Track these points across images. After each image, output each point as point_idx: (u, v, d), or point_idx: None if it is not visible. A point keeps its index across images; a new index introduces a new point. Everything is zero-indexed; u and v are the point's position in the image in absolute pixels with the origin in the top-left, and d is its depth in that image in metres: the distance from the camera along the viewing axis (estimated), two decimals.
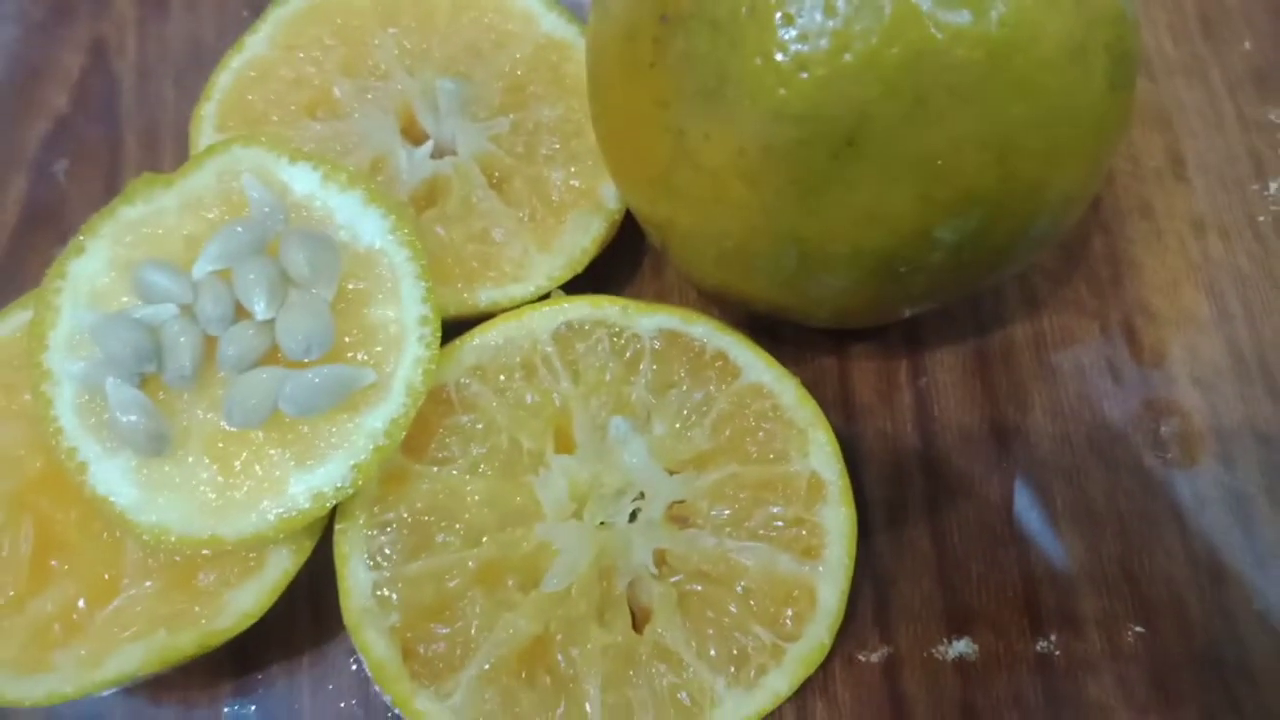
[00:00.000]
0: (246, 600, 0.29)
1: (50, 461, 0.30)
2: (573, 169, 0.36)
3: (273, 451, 0.29)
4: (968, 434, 0.36)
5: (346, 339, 0.30)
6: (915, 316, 0.37)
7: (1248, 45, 0.43)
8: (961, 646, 0.34)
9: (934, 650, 0.33)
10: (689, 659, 0.29)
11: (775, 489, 0.31)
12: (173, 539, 0.28)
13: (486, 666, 0.29)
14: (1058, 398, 0.37)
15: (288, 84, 0.36)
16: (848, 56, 0.25)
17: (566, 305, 0.33)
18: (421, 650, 0.29)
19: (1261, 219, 0.40)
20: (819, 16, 0.25)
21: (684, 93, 0.27)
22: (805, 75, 0.25)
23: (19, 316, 0.32)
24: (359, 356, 0.30)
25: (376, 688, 0.30)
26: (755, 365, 0.32)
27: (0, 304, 0.37)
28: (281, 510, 0.29)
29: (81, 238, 0.31)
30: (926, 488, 0.36)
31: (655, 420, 0.32)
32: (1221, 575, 0.34)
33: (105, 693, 0.29)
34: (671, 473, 0.31)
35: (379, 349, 0.30)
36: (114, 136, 0.41)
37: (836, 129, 0.26)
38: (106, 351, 0.28)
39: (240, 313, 0.29)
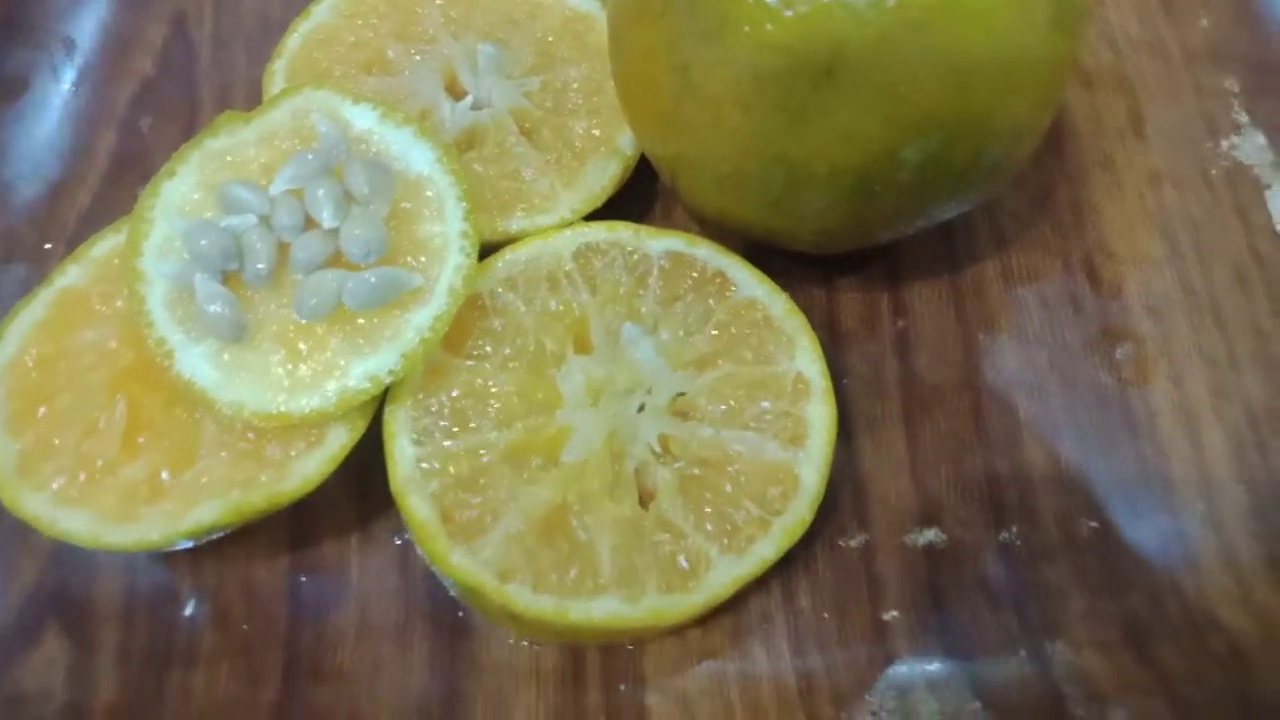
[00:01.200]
0: (310, 467, 0.34)
1: (140, 354, 0.35)
2: (593, 120, 0.41)
3: (334, 341, 0.34)
4: (942, 355, 0.41)
5: (398, 250, 0.35)
6: (894, 252, 0.42)
7: (1204, 23, 0.48)
8: (931, 535, 0.38)
9: (906, 538, 0.38)
10: (688, 530, 0.34)
11: (765, 387, 0.36)
12: (247, 413, 0.33)
13: (513, 529, 0.33)
14: (1023, 325, 0.41)
15: (348, 46, 0.42)
16: None
17: (586, 229, 0.38)
18: (457, 515, 0.34)
19: (1213, 172, 0.44)
20: None
21: (689, 34, 0.32)
22: (790, 13, 0.30)
23: (111, 240, 0.37)
24: (409, 263, 0.35)
25: (418, 549, 0.35)
26: (750, 282, 0.37)
27: (91, 232, 0.43)
28: (341, 389, 0.34)
29: (173, 164, 0.36)
30: (903, 400, 0.40)
31: (662, 328, 0.37)
32: (1169, 481, 0.38)
33: (185, 544, 0.34)
34: (675, 371, 0.36)
35: (425, 258, 0.35)
36: (192, 96, 0.47)
37: (816, 60, 0.31)
38: (196, 252, 0.34)
39: (310, 225, 0.35)
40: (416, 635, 0.36)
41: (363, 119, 0.37)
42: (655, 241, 0.38)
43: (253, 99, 0.46)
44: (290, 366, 0.34)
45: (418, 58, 0.42)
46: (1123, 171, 0.44)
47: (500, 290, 0.37)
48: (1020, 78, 0.32)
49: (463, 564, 0.33)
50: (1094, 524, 0.38)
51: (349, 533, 0.38)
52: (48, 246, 0.43)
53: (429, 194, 0.36)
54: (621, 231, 0.38)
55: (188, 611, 0.37)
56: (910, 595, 0.37)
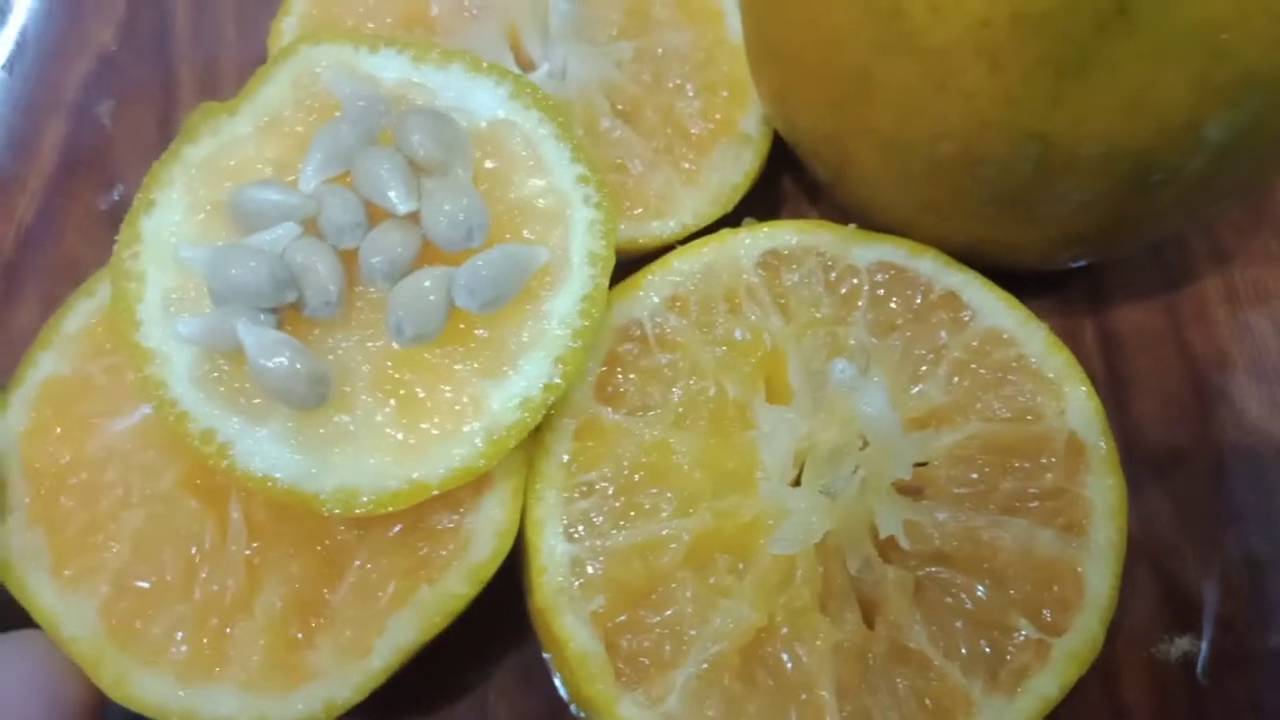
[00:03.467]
0: (496, 514, 0.24)
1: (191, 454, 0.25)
2: (709, 99, 0.32)
3: (457, 367, 0.24)
4: (1166, 400, 0.32)
5: (499, 226, 0.25)
6: (1095, 271, 0.33)
7: None
8: (1185, 644, 0.29)
9: (1155, 649, 0.29)
10: (935, 659, 0.24)
11: (1026, 453, 0.26)
12: (364, 500, 0.23)
13: (705, 665, 0.23)
14: (1260, 358, 0.32)
15: (379, 0, 0.32)
16: None
17: (767, 229, 0.28)
18: (625, 644, 0.24)
19: None
20: None
21: None
22: None
23: (84, 305, 0.27)
24: (523, 237, 0.25)
25: (563, 691, 0.25)
26: (994, 307, 0.27)
27: (36, 260, 0.33)
28: (488, 430, 0.23)
29: (148, 192, 0.25)
30: (1126, 460, 0.30)
31: (874, 369, 0.27)
32: None
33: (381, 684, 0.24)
34: (908, 432, 0.26)
35: (540, 225, 0.25)
36: (166, 76, 0.36)
37: None
38: (228, 289, 0.23)
39: (375, 216, 0.24)
40: None
41: (390, 68, 0.27)
42: (862, 249, 0.28)
43: (246, 78, 0.36)
44: (406, 417, 0.24)
45: (473, 12, 0.32)
46: None
47: (663, 314, 0.27)
48: None
49: (637, 718, 0.23)
50: None
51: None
52: None
53: (513, 143, 0.26)
54: (819, 234, 0.28)
55: None
56: None
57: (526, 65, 0.32)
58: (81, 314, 0.27)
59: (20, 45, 0.36)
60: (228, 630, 0.24)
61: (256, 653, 0.23)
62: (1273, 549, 0.30)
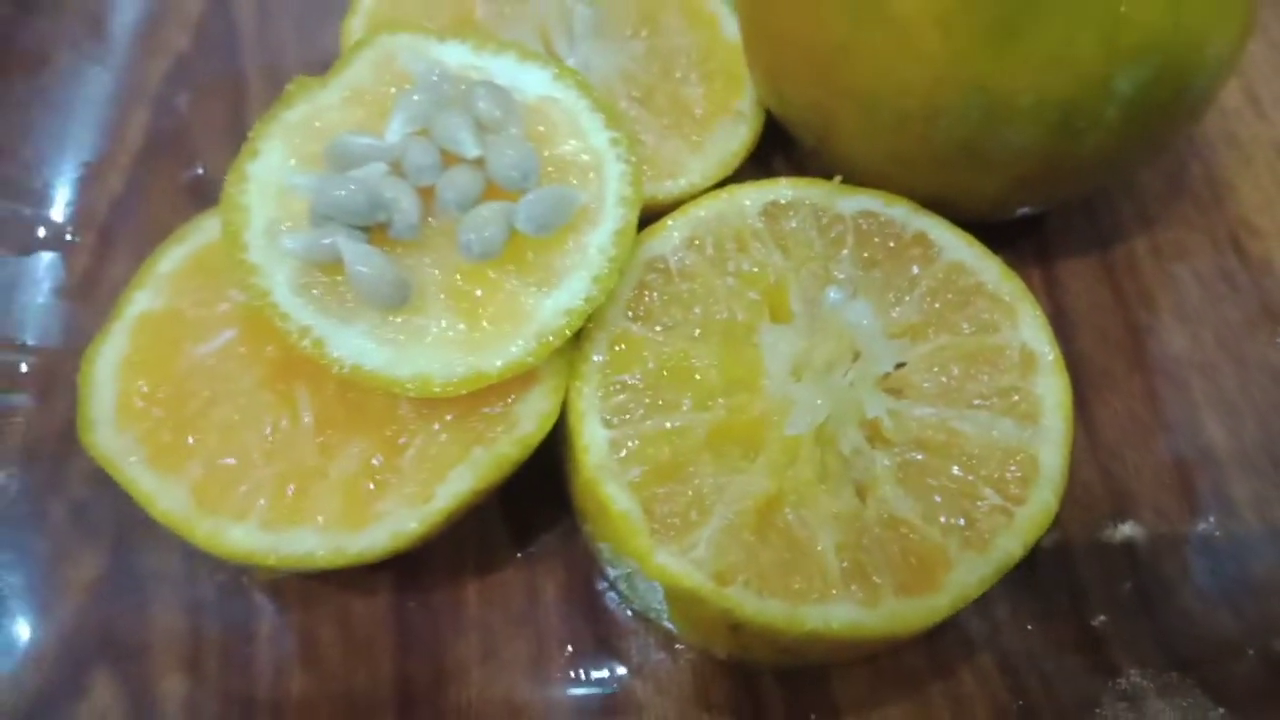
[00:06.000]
0: (541, 405, 0.29)
1: (280, 350, 0.30)
2: (710, 85, 0.37)
3: (513, 281, 0.29)
4: (1104, 334, 0.37)
5: (546, 178, 0.30)
6: (1040, 228, 0.39)
7: None
8: (1128, 529, 0.33)
9: (1102, 534, 0.33)
10: (918, 524, 0.29)
11: (987, 359, 0.31)
12: (436, 386, 0.28)
13: (726, 521, 0.28)
14: (1182, 302, 0.38)
15: (433, 4, 0.37)
16: None
17: (770, 185, 0.33)
18: (659, 508, 0.28)
19: None
20: None
21: None
22: None
23: (176, 251, 0.31)
24: (570, 182, 0.30)
25: (603, 551, 0.29)
26: (955, 244, 0.33)
27: (126, 224, 0.37)
28: (539, 332, 0.28)
29: (252, 144, 0.30)
30: (1073, 383, 0.36)
31: (862, 295, 0.32)
32: None
33: (446, 528, 0.28)
34: (890, 340, 0.31)
35: (580, 176, 0.30)
36: (235, 72, 0.41)
37: None
38: (332, 207, 0.28)
39: (448, 162, 0.29)
40: (553, 666, 0.30)
41: (455, 55, 0.32)
42: (847, 200, 0.33)
43: (308, 72, 0.41)
44: (471, 320, 0.28)
45: (509, 16, 0.38)
46: (1249, 147, 0.42)
47: (683, 251, 0.32)
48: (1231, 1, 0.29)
49: (671, 565, 0.27)
50: None
51: (462, 551, 0.32)
52: (76, 239, 0.37)
53: (556, 114, 0.31)
54: (810, 189, 0.33)
55: (269, 652, 0.30)
56: (1117, 598, 0.32)
57: (553, 58, 0.38)
58: (173, 258, 0.31)
59: (108, 45, 0.41)
60: (306, 490, 0.28)
61: (332, 504, 0.28)
62: (1197, 452, 0.35)
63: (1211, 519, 0.34)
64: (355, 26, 0.37)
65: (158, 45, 0.41)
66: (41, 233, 0.37)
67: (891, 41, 0.29)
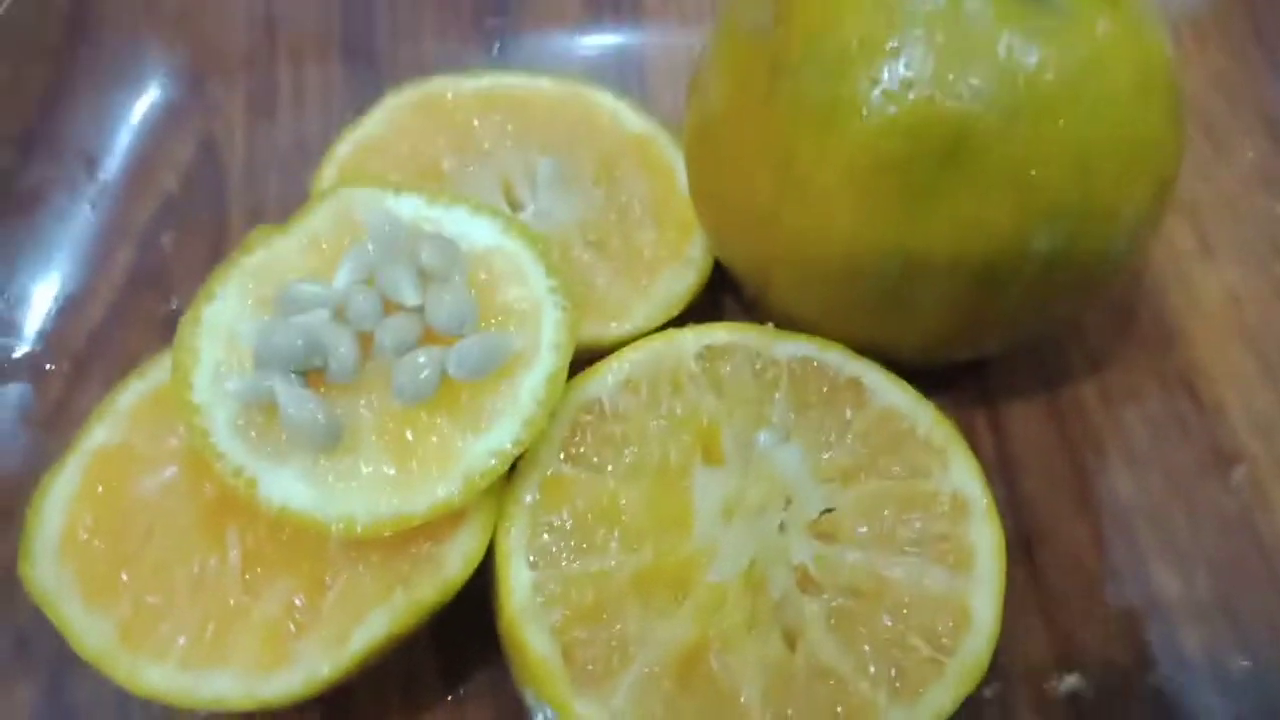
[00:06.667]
0: (468, 544, 0.30)
1: (218, 488, 0.31)
2: (662, 232, 0.39)
3: (445, 424, 0.30)
4: (1050, 478, 0.37)
5: (487, 321, 0.31)
6: (985, 372, 0.40)
7: (1250, 155, 0.48)
8: (1074, 681, 0.33)
9: (1045, 685, 0.33)
10: (847, 674, 0.29)
11: (918, 505, 0.31)
12: (360, 527, 0.28)
13: (647, 670, 0.28)
14: (1131, 446, 0.38)
15: (402, 156, 0.40)
16: (950, 78, 0.28)
17: (707, 330, 0.34)
18: (580, 654, 0.28)
19: None
20: (921, 49, 0.29)
21: (796, 123, 0.30)
22: (913, 95, 0.29)
23: (136, 387, 0.33)
24: (506, 328, 0.32)
25: (528, 697, 0.29)
26: (889, 390, 0.33)
27: (101, 354, 0.39)
28: (466, 473, 0.29)
29: (209, 288, 0.32)
30: (1016, 528, 0.36)
31: (795, 439, 0.33)
32: None
33: (357, 672, 0.29)
34: (820, 485, 0.32)
35: (518, 321, 0.32)
36: (220, 215, 0.43)
37: (940, 143, 0.29)
38: (271, 352, 0.29)
39: (389, 310, 0.31)
40: None
41: (410, 207, 0.34)
42: (782, 345, 0.34)
43: (286, 215, 0.43)
44: (401, 461, 0.29)
45: (473, 168, 0.40)
46: (1200, 291, 0.43)
47: (619, 393, 0.33)
48: (1143, 164, 0.31)
49: (588, 714, 0.27)
50: (1245, 662, 0.33)
51: (386, 691, 0.32)
52: (49, 368, 0.39)
53: (501, 263, 0.33)
54: (747, 334, 0.34)
55: None
56: None
57: (516, 205, 0.40)
58: (132, 393, 0.33)
59: (101, 187, 0.44)
60: (226, 630, 0.29)
61: (250, 645, 0.28)
62: (1145, 601, 0.35)
63: (1161, 670, 0.33)
64: (327, 175, 0.39)
65: (148, 187, 0.44)
66: (17, 358, 0.39)
67: (814, 210, 0.31)
